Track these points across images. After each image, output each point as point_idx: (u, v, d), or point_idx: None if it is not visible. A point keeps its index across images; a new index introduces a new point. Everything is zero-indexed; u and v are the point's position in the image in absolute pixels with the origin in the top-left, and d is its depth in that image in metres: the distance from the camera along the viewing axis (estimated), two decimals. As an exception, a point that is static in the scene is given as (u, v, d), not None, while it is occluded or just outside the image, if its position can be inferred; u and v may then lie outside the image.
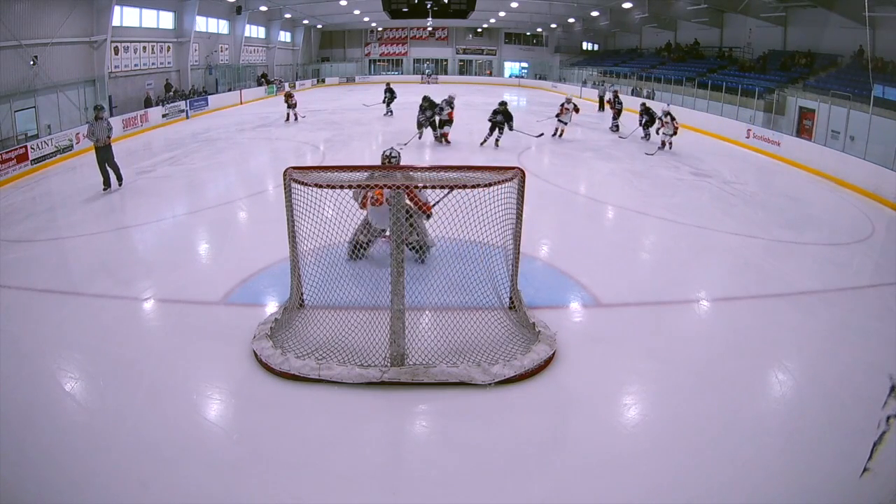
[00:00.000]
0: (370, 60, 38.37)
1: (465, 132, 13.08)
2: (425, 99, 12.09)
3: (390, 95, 17.28)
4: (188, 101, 18.68)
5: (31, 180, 10.00)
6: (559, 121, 13.43)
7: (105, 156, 8.62)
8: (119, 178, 8.80)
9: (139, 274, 5.32)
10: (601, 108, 20.15)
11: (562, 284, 5.13)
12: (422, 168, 4.45)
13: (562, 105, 13.47)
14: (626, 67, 26.07)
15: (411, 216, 4.87)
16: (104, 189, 8.52)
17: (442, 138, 12.12)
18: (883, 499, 2.53)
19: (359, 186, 3.52)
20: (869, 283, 5.54)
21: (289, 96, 16.45)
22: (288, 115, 16.28)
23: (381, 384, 3.50)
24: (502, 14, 31.43)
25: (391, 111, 17.30)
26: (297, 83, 31.00)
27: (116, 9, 16.09)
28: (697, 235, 6.73)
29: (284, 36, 31.74)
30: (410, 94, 22.00)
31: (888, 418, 2.18)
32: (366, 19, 33.70)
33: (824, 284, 5.31)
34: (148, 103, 17.46)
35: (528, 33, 36.86)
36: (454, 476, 2.86)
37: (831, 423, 3.30)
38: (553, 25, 33.78)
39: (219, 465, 2.89)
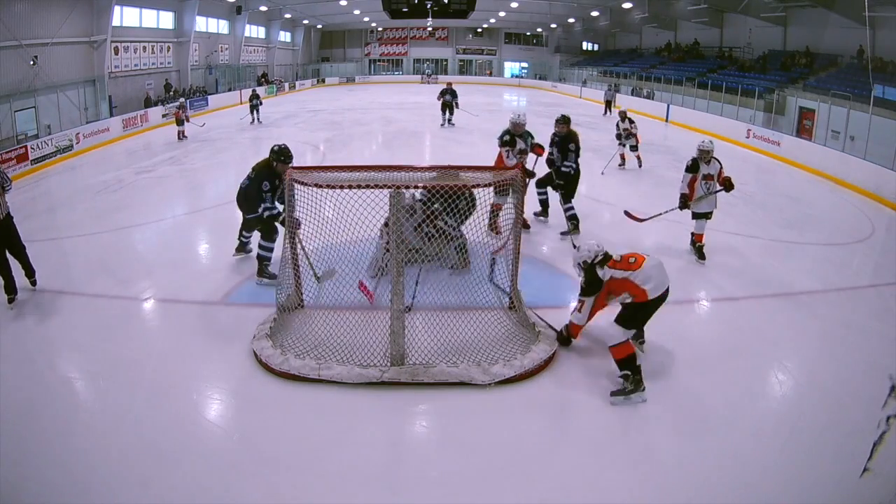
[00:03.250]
0: (370, 60, 38.37)
1: (465, 131, 13.07)
2: None
3: (258, 101, 16.39)
4: (188, 100, 18.67)
5: (31, 180, 9.99)
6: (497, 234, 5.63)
7: (3, 240, 4.67)
8: (30, 272, 4.90)
9: (139, 274, 5.32)
10: (608, 110, 19.13)
11: (562, 284, 5.13)
12: (421, 168, 4.44)
13: (497, 197, 4.80)
14: (626, 67, 26.07)
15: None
16: (9, 300, 4.63)
17: None
18: (883, 499, 2.53)
19: (358, 186, 3.51)
20: (869, 283, 5.53)
21: (182, 108, 14.45)
22: (179, 133, 13.76)
23: (381, 384, 3.50)
24: (502, 14, 31.43)
25: (259, 119, 16.41)
26: (298, 83, 31.03)
27: (116, 9, 16.08)
28: (697, 235, 6.72)
29: (284, 36, 31.74)
30: (409, 94, 21.98)
31: (888, 418, 2.18)
32: (366, 19, 33.70)
33: (824, 284, 5.30)
34: (148, 103, 17.46)
35: (528, 33, 36.85)
36: (454, 476, 2.86)
37: (831, 423, 3.30)
38: (553, 25, 33.77)
39: (219, 465, 2.89)
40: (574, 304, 3.83)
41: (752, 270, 5.62)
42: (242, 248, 5.58)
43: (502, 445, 3.07)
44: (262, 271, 5.04)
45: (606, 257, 3.63)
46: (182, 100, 16.02)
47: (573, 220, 6.35)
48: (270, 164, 4.84)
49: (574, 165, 6.22)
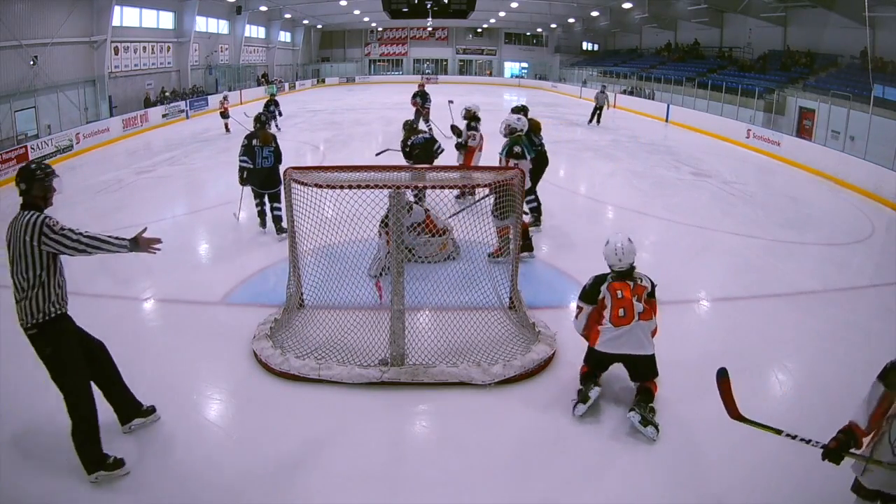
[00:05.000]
0: (370, 60, 38.39)
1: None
2: None
3: (276, 107, 14.26)
4: (188, 101, 18.68)
5: (31, 180, 9.97)
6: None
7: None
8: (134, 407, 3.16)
9: (139, 274, 5.32)
10: (597, 118, 15.90)
11: (562, 284, 5.13)
12: (421, 168, 4.44)
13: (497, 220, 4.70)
14: (626, 67, 26.08)
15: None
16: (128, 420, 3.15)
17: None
18: (883, 499, 2.52)
19: (358, 186, 3.52)
20: (869, 283, 5.54)
21: (226, 99, 15.24)
22: (226, 125, 14.33)
23: (381, 384, 3.50)
24: (502, 14, 31.44)
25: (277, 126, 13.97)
26: (298, 83, 31.02)
27: (116, 9, 16.10)
28: (697, 235, 6.73)
29: (284, 36, 31.75)
30: (409, 94, 22.01)
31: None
32: (366, 19, 33.71)
33: (824, 284, 5.30)
34: (148, 103, 17.47)
35: (528, 33, 36.88)
36: (454, 476, 2.86)
37: (831, 423, 3.28)
38: (553, 25, 33.79)
39: (219, 465, 2.89)
40: (573, 305, 3.73)
41: (752, 270, 5.62)
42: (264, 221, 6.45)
43: (502, 445, 3.06)
44: (282, 228, 5.88)
45: (618, 275, 3.27)
46: (226, 92, 16.06)
47: (535, 212, 6.05)
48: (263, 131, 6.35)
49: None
